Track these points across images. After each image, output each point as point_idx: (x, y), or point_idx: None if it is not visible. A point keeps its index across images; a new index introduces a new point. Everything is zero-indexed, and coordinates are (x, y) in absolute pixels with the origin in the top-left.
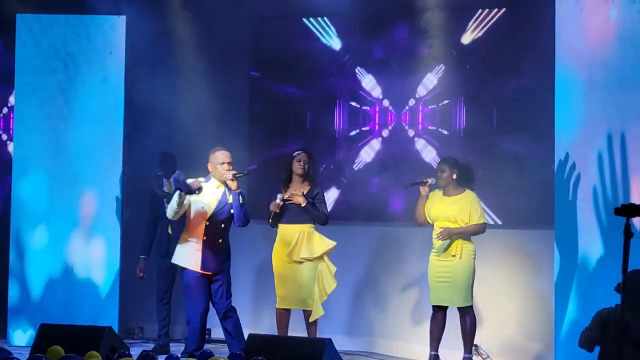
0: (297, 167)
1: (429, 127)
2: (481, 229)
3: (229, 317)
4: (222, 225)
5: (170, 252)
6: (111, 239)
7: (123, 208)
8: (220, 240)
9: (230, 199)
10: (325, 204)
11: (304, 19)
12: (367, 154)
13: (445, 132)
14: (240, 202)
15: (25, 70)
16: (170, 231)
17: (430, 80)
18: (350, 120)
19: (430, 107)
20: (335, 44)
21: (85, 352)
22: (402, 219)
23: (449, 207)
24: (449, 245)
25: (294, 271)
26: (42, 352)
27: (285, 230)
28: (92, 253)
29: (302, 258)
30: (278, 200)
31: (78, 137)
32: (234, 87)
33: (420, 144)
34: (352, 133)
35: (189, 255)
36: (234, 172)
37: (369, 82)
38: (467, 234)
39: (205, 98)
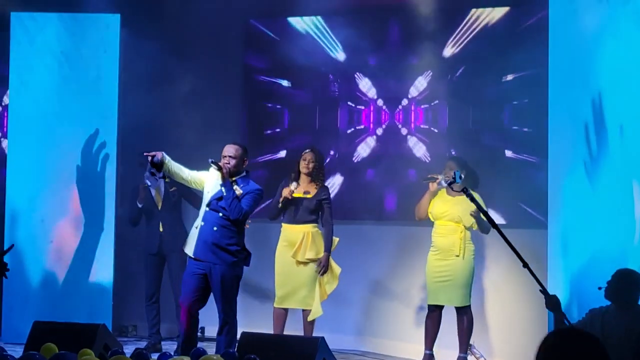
0: (303, 166)
1: (422, 126)
2: (488, 229)
3: (223, 320)
4: (220, 214)
5: (161, 251)
6: (105, 236)
7: (117, 206)
8: (215, 228)
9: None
10: (331, 209)
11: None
12: (364, 150)
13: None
14: (224, 193)
15: (20, 69)
16: (161, 229)
17: (420, 83)
18: (347, 119)
19: (422, 106)
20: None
21: (78, 349)
22: (396, 217)
23: (455, 208)
24: (446, 237)
25: (297, 271)
26: (35, 349)
27: (289, 230)
28: (86, 250)
29: (307, 259)
30: (292, 187)
31: (72, 136)
32: (230, 85)
33: (412, 141)
34: (349, 131)
35: (189, 240)
36: (212, 160)
37: (365, 84)
38: (485, 221)
39: (201, 97)
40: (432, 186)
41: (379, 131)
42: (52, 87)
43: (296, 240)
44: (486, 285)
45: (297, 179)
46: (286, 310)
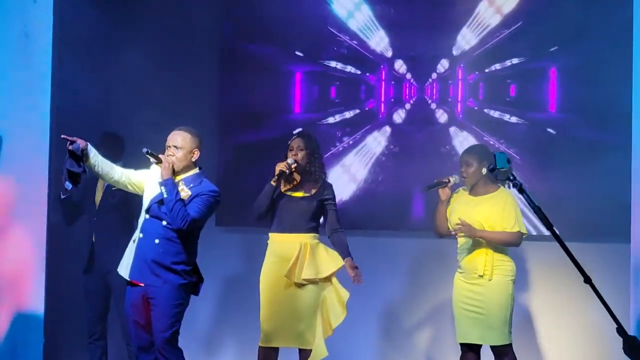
0: (292, 156)
1: (474, 108)
2: (515, 239)
3: (162, 356)
4: (164, 223)
5: (96, 269)
6: (35, 247)
7: (50, 210)
8: (157, 241)
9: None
10: (337, 210)
11: None
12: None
13: (511, 119)
14: (164, 195)
15: None
16: (93, 239)
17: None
18: (343, 94)
19: (475, 73)
20: None
21: None
22: (422, 227)
23: (476, 210)
24: (470, 252)
25: (291, 297)
26: None
27: (280, 241)
28: (9, 266)
29: (304, 279)
30: (289, 161)
31: None
32: (201, 51)
33: (457, 134)
34: (348, 115)
35: (125, 258)
36: (147, 151)
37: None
38: (495, 241)
39: (162, 65)
40: (443, 193)
41: (396, 118)
42: None
43: (290, 255)
44: (533, 315)
45: (289, 177)
46: (276, 350)
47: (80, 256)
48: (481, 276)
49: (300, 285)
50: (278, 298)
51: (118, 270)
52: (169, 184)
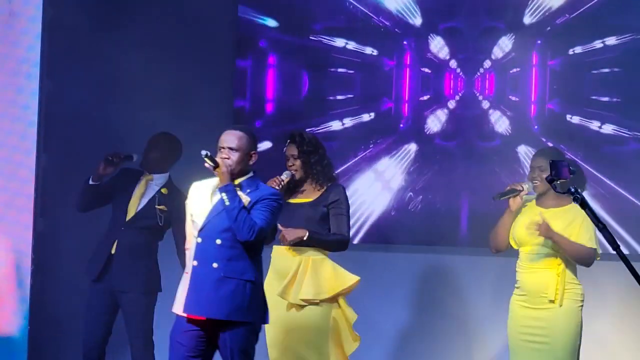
0: (288, 168)
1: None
2: (590, 256)
3: None
4: (219, 242)
5: (108, 281)
6: (18, 259)
7: (37, 216)
8: (215, 265)
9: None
10: (346, 216)
11: None
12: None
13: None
14: (226, 202)
15: None
16: (113, 249)
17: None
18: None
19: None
20: None
21: None
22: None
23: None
24: (536, 271)
25: (295, 320)
26: None
27: (280, 255)
28: None
29: (302, 300)
30: (283, 177)
31: None
32: (217, 35)
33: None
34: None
35: (178, 294)
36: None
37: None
38: (569, 251)
39: (172, 52)
40: (514, 203)
41: (430, 125)
42: None
43: (287, 271)
44: (598, 346)
45: (294, 188)
46: None
47: (72, 270)
48: (552, 301)
49: (302, 307)
50: (281, 320)
51: (173, 309)
52: (231, 190)
